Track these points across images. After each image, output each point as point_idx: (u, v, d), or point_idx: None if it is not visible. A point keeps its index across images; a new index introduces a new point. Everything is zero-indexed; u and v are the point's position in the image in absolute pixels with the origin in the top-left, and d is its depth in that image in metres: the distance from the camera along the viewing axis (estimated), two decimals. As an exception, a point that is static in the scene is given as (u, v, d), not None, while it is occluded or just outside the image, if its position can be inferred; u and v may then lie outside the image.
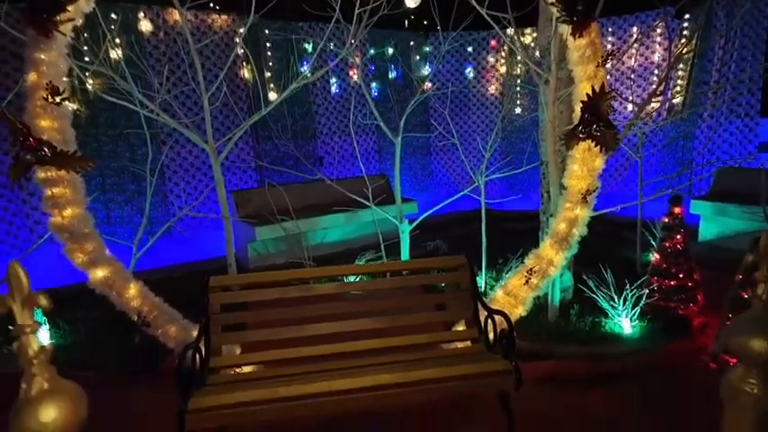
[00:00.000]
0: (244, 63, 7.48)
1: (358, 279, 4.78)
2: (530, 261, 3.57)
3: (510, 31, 4.31)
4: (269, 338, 2.97)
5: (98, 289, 3.25)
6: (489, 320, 2.91)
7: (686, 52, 5.75)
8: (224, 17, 7.31)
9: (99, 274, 3.20)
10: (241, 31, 7.04)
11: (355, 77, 7.90)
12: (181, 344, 3.35)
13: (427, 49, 8.74)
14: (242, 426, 2.72)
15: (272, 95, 7.28)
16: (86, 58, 4.21)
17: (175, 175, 7.11)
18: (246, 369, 3.15)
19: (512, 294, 3.55)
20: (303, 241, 5.41)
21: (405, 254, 4.95)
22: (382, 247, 5.10)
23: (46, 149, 2.82)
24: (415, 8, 4.38)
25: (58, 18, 2.85)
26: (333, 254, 6.20)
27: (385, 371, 2.59)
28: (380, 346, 3.01)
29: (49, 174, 2.99)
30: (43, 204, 3.09)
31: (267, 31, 7.58)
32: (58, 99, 2.90)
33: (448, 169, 9.45)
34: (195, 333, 3.47)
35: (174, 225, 6.89)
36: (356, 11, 4.25)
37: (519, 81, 8.62)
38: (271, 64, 7.62)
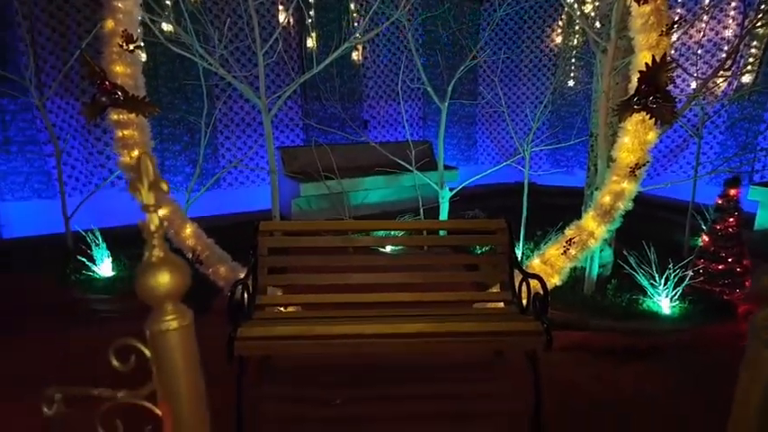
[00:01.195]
0: (296, 23, 7.54)
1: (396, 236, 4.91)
2: (570, 231, 3.57)
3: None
4: (309, 283, 3.16)
5: (158, 226, 3.50)
6: (524, 285, 2.96)
7: (762, 26, 5.38)
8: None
9: (160, 212, 3.44)
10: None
11: (405, 41, 7.84)
12: (230, 283, 3.60)
13: (481, 14, 8.52)
14: (282, 357, 2.92)
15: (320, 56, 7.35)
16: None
17: (227, 129, 7.36)
18: (289, 309, 3.36)
19: (548, 263, 3.58)
20: (345, 200, 5.57)
21: (443, 219, 5.02)
22: (421, 210, 5.19)
23: (119, 93, 3.02)
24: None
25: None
26: (371, 215, 6.34)
27: (418, 321, 2.71)
28: (414, 299, 3.14)
29: (121, 116, 3.21)
30: (114, 145, 3.32)
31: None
32: (131, 47, 3.08)
33: (492, 140, 9.32)
34: (243, 274, 3.71)
35: (224, 177, 7.21)
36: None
37: (574, 52, 8.31)
38: (322, 24, 7.65)
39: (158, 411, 1.12)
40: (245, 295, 2.81)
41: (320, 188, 5.85)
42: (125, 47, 3.10)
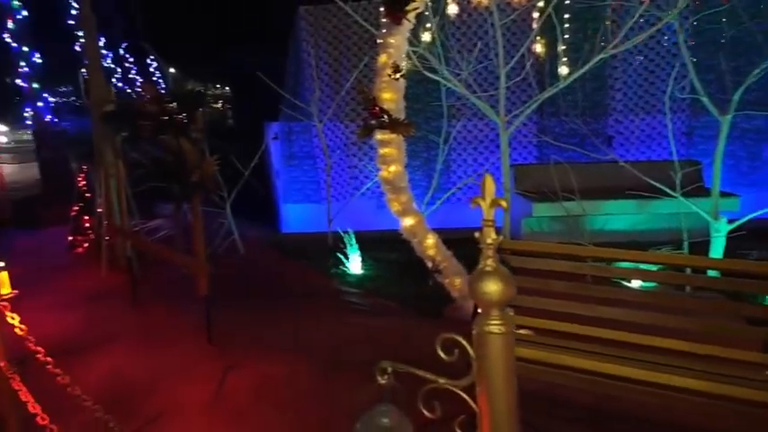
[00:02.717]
0: (537, 37, 7.39)
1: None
2: None
3: None
4: (543, 307, 2.99)
5: (405, 235, 3.84)
6: None
7: None
8: (524, -8, 7.31)
9: (408, 222, 3.78)
10: (540, 4, 6.96)
11: (666, 44, 6.87)
12: (464, 295, 3.71)
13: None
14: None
15: (563, 69, 7.03)
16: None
17: (459, 146, 7.67)
18: (520, 331, 3.26)
19: None
20: (583, 224, 5.16)
21: (716, 257, 4.18)
22: (686, 244, 4.41)
23: (385, 116, 3.46)
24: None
25: (408, 8, 3.41)
26: (614, 243, 5.68)
27: (683, 374, 2.30)
28: (674, 347, 2.68)
29: (384, 136, 3.66)
30: (376, 160, 3.82)
31: (567, 1, 7.26)
32: (397, 75, 3.51)
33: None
34: (476, 289, 3.77)
35: (455, 192, 7.51)
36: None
37: None
38: (566, 36, 7.30)
39: (473, 405, 1.24)
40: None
41: (554, 209, 5.55)
42: (393, 76, 3.54)
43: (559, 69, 6.99)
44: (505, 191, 5.23)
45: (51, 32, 12.27)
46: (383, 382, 1.25)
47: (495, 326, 1.20)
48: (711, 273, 3.71)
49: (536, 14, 7.12)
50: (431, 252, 3.75)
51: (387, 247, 5.46)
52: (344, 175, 7.44)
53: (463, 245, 5.72)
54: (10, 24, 10.06)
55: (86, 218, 6.01)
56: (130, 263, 4.70)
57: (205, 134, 4.19)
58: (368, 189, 6.49)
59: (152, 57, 18.69)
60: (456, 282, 3.75)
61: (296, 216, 7.16)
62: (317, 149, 6.97)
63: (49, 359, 2.27)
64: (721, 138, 4.13)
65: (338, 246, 5.31)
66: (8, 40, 10.15)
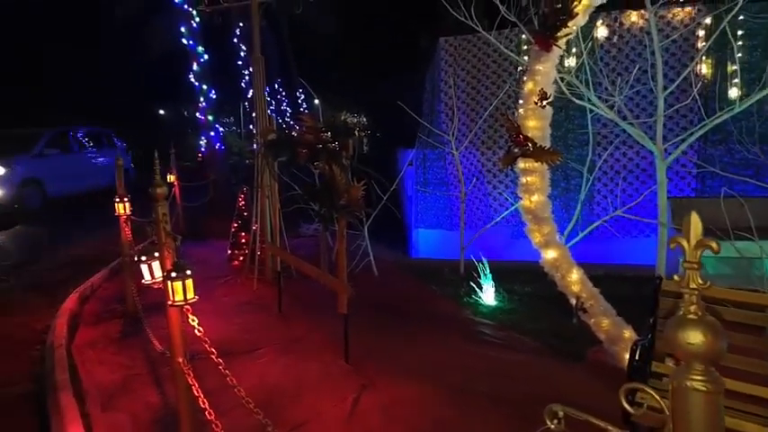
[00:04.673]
0: (703, 57, 6.65)
1: None
2: None
3: None
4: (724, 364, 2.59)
5: (547, 268, 3.66)
6: None
7: None
8: (687, 9, 6.68)
9: (550, 254, 3.60)
10: (707, 21, 6.29)
11: None
12: (611, 337, 3.38)
13: None
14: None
15: (734, 92, 6.20)
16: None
17: (605, 176, 7.13)
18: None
19: None
20: (757, 267, 4.41)
21: None
22: None
23: (530, 144, 3.36)
24: None
25: (559, 34, 3.31)
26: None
27: None
28: None
29: (527, 165, 3.56)
30: (518, 190, 3.71)
31: (741, 17, 6.43)
32: (544, 103, 3.40)
33: None
34: (626, 332, 3.43)
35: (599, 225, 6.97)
36: None
37: None
38: (740, 55, 6.45)
39: None
40: (641, 356, 2.55)
41: (722, 248, 4.83)
42: (540, 104, 3.43)
43: (729, 92, 6.18)
44: (661, 226, 4.72)
45: (223, 71, 14.40)
46: (553, 427, 1.18)
47: (699, 382, 1.07)
48: None
49: (701, 32, 6.44)
50: (575, 288, 3.51)
51: (522, 278, 5.25)
52: (479, 203, 7.37)
53: (606, 282, 5.31)
54: (195, 66, 12.02)
55: (243, 234, 6.77)
56: (279, 277, 5.14)
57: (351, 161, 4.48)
58: (503, 218, 6.33)
59: (301, 90, 20.74)
60: (603, 323, 3.45)
61: (426, 241, 7.24)
62: (451, 176, 7.03)
63: (221, 360, 2.54)
64: None
65: (471, 274, 5.23)
66: (192, 79, 12.13)
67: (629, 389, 1.15)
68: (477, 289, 5.06)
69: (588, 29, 7.08)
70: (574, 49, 6.49)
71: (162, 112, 25.40)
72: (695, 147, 6.84)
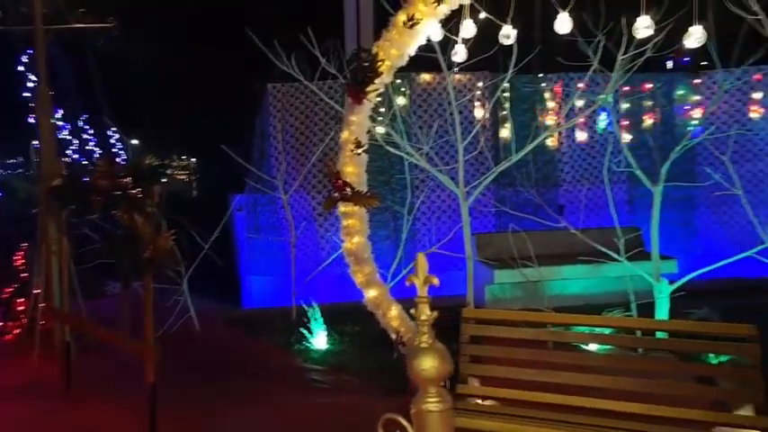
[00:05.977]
0: (491, 115, 7.95)
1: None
2: None
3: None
4: (507, 377, 3.05)
5: (369, 306, 3.87)
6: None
7: None
8: (471, 74, 7.87)
9: (371, 293, 3.83)
10: (480, 85, 7.57)
11: (602, 124, 7.57)
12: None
13: (696, 94, 7.72)
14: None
15: (513, 144, 7.56)
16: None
17: (424, 216, 7.90)
18: (486, 402, 3.26)
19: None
20: (542, 290, 5.34)
21: (661, 318, 4.39)
22: (634, 306, 4.63)
23: (348, 189, 3.60)
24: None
25: (368, 88, 3.67)
26: (571, 307, 5.86)
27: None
28: (631, 410, 2.77)
29: (347, 208, 3.78)
30: (340, 232, 3.91)
31: (515, 84, 7.92)
32: (359, 150, 3.71)
33: (721, 226, 7.97)
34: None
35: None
36: (619, 58, 4.17)
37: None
38: (516, 114, 7.90)
39: None
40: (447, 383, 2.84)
41: (515, 275, 5.75)
42: (355, 151, 3.73)
43: (510, 144, 7.53)
44: (468, 259, 5.39)
45: (8, 104, 12.19)
46: None
47: (432, 403, 1.21)
48: (660, 334, 3.90)
49: (487, 94, 7.73)
50: (395, 323, 3.78)
51: (353, 319, 5.39)
52: (313, 246, 7.47)
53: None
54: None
55: (20, 300, 5.70)
56: (68, 348, 4.35)
57: (163, 208, 4.12)
58: (333, 260, 6.52)
59: (113, 129, 18.68)
60: (421, 352, 3.75)
61: (260, 289, 7.04)
62: (283, 220, 7.02)
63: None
64: (655, 206, 4.50)
65: (301, 320, 5.23)
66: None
67: (387, 420, 1.23)
68: (308, 334, 5.05)
69: (402, 85, 7.99)
70: (392, 105, 7.24)
71: None
72: (491, 189, 8.06)
